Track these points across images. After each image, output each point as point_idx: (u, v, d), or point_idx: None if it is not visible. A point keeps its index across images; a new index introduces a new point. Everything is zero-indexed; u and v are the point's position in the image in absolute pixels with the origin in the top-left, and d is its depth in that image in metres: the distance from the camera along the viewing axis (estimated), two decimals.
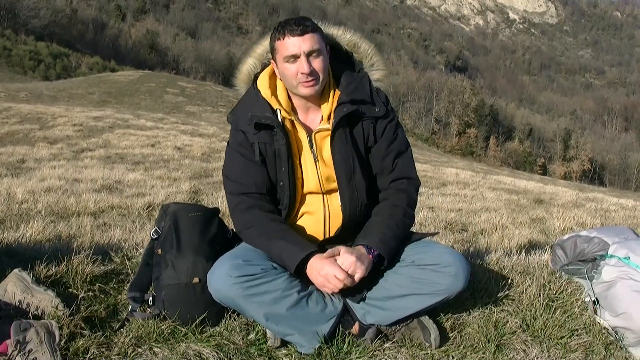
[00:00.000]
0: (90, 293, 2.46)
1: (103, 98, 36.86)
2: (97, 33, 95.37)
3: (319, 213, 2.36)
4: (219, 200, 6.21)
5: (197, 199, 6.80)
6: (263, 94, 2.31)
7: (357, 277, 2.17)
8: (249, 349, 2.24)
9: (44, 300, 2.24)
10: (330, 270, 2.14)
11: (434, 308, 2.39)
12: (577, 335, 2.53)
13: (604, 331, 2.58)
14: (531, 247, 4.38)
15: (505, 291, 2.73)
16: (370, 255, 2.23)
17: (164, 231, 2.41)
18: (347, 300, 2.35)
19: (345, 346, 2.27)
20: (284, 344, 2.27)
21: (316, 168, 2.33)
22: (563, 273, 2.94)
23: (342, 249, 2.21)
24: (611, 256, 2.68)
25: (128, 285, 2.50)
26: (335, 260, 2.18)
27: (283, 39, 2.20)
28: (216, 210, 2.54)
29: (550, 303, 2.70)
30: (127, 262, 2.79)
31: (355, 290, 2.30)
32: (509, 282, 2.82)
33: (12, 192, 5.90)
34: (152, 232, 2.46)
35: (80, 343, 2.11)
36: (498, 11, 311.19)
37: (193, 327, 2.28)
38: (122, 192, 6.88)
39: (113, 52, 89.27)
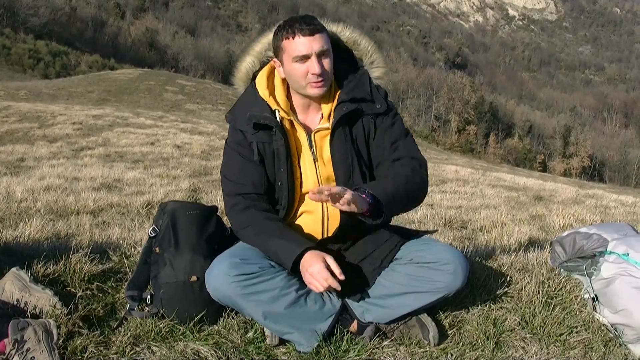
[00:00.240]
0: (88, 292, 2.45)
1: (102, 96, 36.85)
2: (97, 31, 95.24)
3: (318, 212, 2.34)
4: (218, 198, 6.21)
5: (197, 197, 6.80)
6: (261, 94, 2.29)
7: (345, 197, 1.99)
8: (247, 348, 2.24)
9: (42, 299, 2.24)
10: (317, 268, 2.09)
11: (433, 305, 2.38)
12: (577, 332, 2.53)
13: (603, 328, 2.58)
14: (530, 244, 4.37)
15: (504, 288, 2.72)
16: (364, 195, 2.10)
17: (161, 229, 2.41)
18: (346, 299, 2.34)
19: (343, 344, 2.27)
20: (283, 342, 2.27)
21: (315, 168, 2.31)
22: (562, 270, 2.94)
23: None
24: (610, 253, 2.67)
25: (126, 283, 2.49)
26: (327, 260, 2.12)
27: (292, 39, 2.17)
28: (214, 209, 2.53)
29: (550, 300, 2.69)
30: (125, 260, 2.78)
31: (353, 288, 2.29)
32: (507, 279, 2.81)
33: (12, 191, 5.89)
34: (150, 230, 2.45)
35: (78, 342, 2.10)
36: (497, 8, 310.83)
37: (191, 325, 2.27)
38: (122, 191, 6.87)
39: (112, 50, 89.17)
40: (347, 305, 2.35)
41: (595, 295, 2.66)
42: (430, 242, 2.38)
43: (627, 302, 2.48)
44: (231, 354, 2.19)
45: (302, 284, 2.23)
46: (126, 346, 2.14)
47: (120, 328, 2.25)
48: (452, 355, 2.31)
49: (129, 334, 2.19)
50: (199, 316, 2.29)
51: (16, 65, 65.87)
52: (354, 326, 2.34)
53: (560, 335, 2.51)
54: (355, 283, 2.28)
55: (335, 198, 2.00)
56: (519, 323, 2.54)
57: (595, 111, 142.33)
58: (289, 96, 2.34)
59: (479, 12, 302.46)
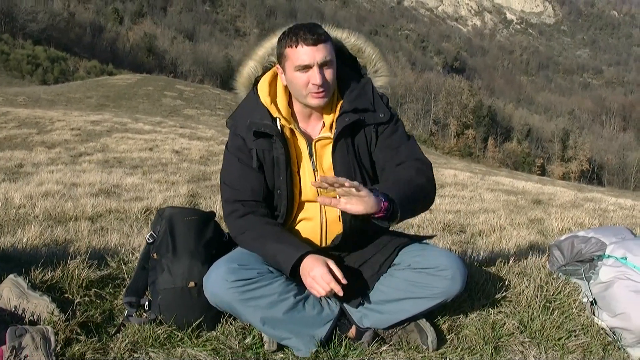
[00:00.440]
0: (86, 298, 2.45)
1: (101, 102, 36.86)
2: (95, 36, 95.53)
3: (316, 219, 2.33)
4: (216, 203, 6.20)
5: (195, 203, 6.79)
6: (262, 100, 2.27)
7: (361, 193, 1.99)
8: (245, 353, 2.23)
9: (40, 305, 2.24)
10: (319, 272, 2.08)
11: (431, 310, 2.38)
12: (575, 336, 2.53)
13: (601, 332, 2.58)
14: (529, 248, 4.38)
15: (503, 293, 2.72)
16: (378, 196, 2.05)
17: (159, 235, 2.40)
18: (344, 304, 2.34)
19: (342, 350, 2.27)
20: (281, 348, 2.27)
21: (315, 178, 2.28)
22: (560, 274, 2.94)
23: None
24: (608, 256, 2.67)
25: (124, 290, 2.49)
26: (328, 264, 2.12)
27: (295, 47, 2.14)
28: (212, 214, 2.53)
29: (548, 304, 2.69)
30: (123, 266, 2.78)
31: (352, 293, 2.29)
32: (506, 283, 2.81)
33: (10, 197, 5.89)
34: (147, 236, 2.44)
35: (76, 348, 2.10)
36: (495, 12, 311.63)
37: (189, 331, 2.27)
38: (120, 196, 6.87)
39: (111, 56, 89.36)
40: (345, 310, 2.35)
41: (594, 299, 2.66)
42: (429, 247, 2.36)
43: (626, 306, 2.48)
44: None
45: (301, 289, 2.22)
46: (124, 352, 2.14)
47: (118, 334, 2.25)
48: None
49: (127, 340, 2.19)
50: (197, 322, 2.28)
51: (15, 71, 65.96)
52: (352, 331, 2.34)
53: (559, 339, 2.50)
54: (354, 288, 2.27)
55: (350, 192, 1.97)
56: (518, 327, 2.54)
57: (594, 114, 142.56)
58: (290, 103, 2.31)
59: (477, 16, 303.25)
